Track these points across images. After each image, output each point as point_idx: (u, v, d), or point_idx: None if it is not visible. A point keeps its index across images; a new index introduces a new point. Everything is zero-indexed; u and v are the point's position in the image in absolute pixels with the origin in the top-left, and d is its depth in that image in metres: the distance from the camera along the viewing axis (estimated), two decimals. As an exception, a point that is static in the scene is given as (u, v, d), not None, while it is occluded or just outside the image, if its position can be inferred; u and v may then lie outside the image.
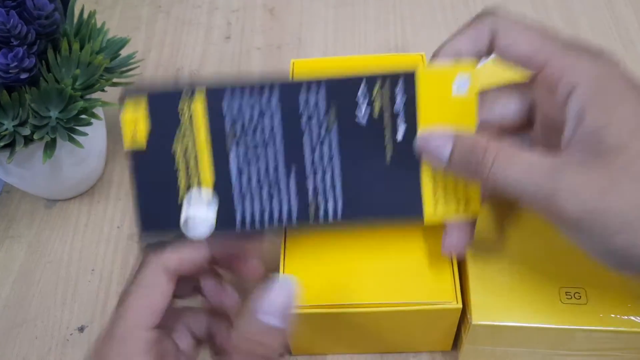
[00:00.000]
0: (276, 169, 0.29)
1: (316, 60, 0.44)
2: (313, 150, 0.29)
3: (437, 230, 0.31)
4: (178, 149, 0.29)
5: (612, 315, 0.30)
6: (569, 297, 0.31)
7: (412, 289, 0.32)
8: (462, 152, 0.27)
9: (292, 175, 0.29)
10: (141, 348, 0.26)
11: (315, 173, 0.29)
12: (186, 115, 0.29)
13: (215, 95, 0.29)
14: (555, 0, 0.58)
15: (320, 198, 0.30)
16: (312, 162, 0.29)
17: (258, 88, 0.29)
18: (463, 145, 0.27)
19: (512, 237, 0.34)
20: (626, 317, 0.30)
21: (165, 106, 0.29)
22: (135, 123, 0.29)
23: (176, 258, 0.28)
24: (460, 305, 0.31)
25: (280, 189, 0.30)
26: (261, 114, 0.29)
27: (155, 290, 0.28)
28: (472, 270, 0.32)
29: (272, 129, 0.29)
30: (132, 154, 0.29)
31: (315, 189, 0.30)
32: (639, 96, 0.24)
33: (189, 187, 0.30)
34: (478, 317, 0.31)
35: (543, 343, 0.32)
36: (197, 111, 0.29)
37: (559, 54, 0.26)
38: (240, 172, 0.29)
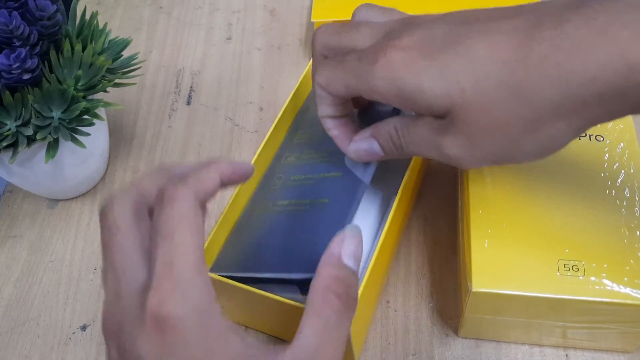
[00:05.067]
0: None
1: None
2: None
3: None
4: None
5: (608, 288, 0.31)
6: (567, 269, 0.32)
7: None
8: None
9: None
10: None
11: None
12: None
13: None
14: (554, 0, 0.58)
15: None
16: None
17: None
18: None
19: (514, 209, 0.34)
20: (622, 290, 0.31)
21: None
22: None
23: (205, 187, 0.26)
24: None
25: None
26: None
27: (200, 229, 0.25)
28: (474, 240, 0.34)
29: None
30: None
31: None
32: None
33: None
34: (478, 284, 0.32)
35: (541, 313, 0.33)
36: None
37: None
38: None
